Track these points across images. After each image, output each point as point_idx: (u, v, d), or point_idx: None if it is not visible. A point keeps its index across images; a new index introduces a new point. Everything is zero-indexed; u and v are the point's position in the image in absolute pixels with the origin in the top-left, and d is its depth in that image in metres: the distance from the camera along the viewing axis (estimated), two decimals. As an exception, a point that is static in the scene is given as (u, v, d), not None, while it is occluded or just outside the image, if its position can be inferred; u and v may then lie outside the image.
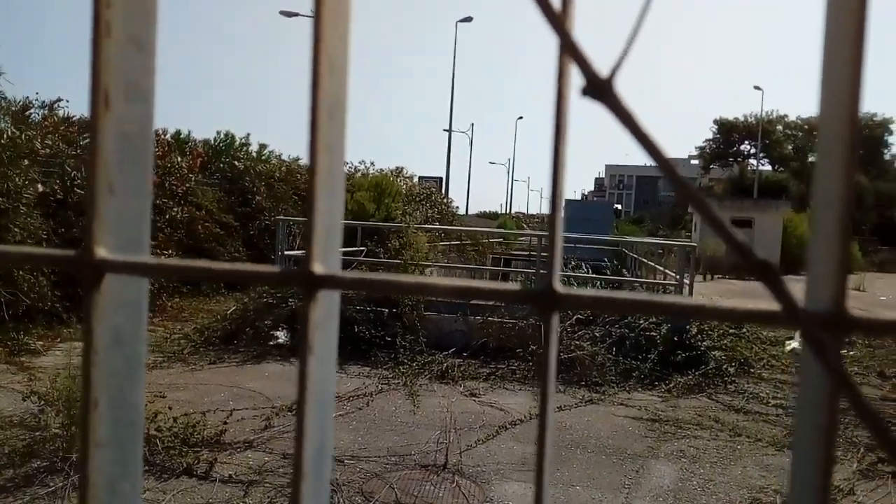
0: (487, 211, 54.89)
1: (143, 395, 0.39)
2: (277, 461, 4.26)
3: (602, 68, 0.29)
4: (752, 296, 14.17)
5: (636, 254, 13.10)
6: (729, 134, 51.27)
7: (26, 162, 8.63)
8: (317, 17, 0.33)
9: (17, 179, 8.09)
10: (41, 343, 7.07)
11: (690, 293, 8.41)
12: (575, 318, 7.16)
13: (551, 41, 0.30)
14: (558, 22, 0.29)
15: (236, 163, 14.49)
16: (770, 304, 0.28)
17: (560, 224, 0.31)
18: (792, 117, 50.21)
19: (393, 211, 15.07)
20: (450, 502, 3.87)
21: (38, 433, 4.24)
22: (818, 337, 0.27)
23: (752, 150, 48.32)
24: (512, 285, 0.30)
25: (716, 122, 52.13)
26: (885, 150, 43.96)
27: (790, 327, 0.28)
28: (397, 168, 21.47)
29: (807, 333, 0.28)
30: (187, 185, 11.69)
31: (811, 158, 47.46)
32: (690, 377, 6.51)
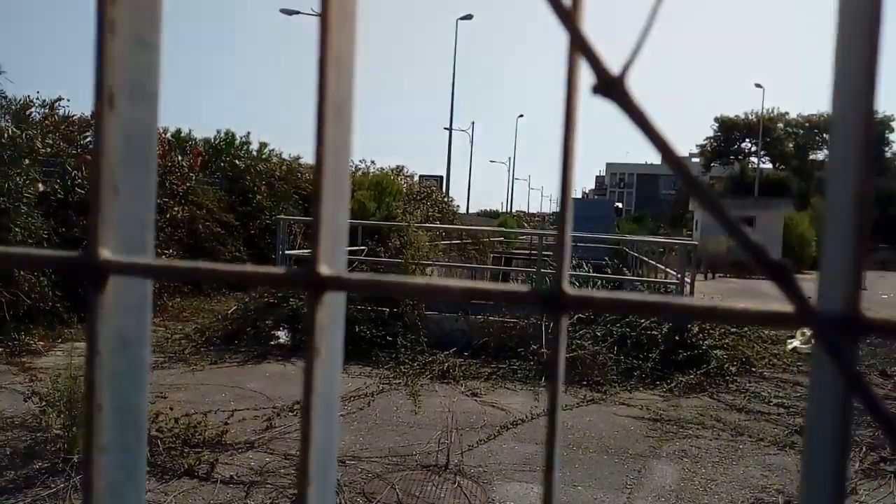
0: (488, 209, 54.87)
1: (146, 398, 0.39)
2: (279, 462, 4.25)
3: (613, 65, 0.29)
4: (752, 294, 14.16)
5: (637, 252, 13.10)
6: (730, 132, 51.22)
7: (27, 161, 8.63)
8: (323, 17, 0.33)
9: (17, 179, 8.09)
10: (42, 343, 7.07)
11: (691, 292, 8.41)
12: (576, 316, 7.15)
13: (555, 39, 0.30)
14: (568, 18, 0.28)
15: (237, 162, 14.48)
16: (783, 306, 0.28)
17: (569, 225, 0.30)
18: (793, 115, 50.18)
19: (394, 210, 15.08)
20: (452, 503, 3.87)
21: (39, 434, 4.23)
22: (832, 339, 0.27)
23: (753, 148, 48.31)
24: (521, 287, 0.30)
25: (716, 119, 52.10)
26: (886, 148, 43.92)
27: (804, 329, 0.28)
28: (398, 167, 21.47)
29: (820, 335, 0.28)
30: (188, 184, 11.68)
31: (812, 156, 47.46)
32: (692, 376, 6.51)
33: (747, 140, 50.39)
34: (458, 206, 27.08)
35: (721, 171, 50.48)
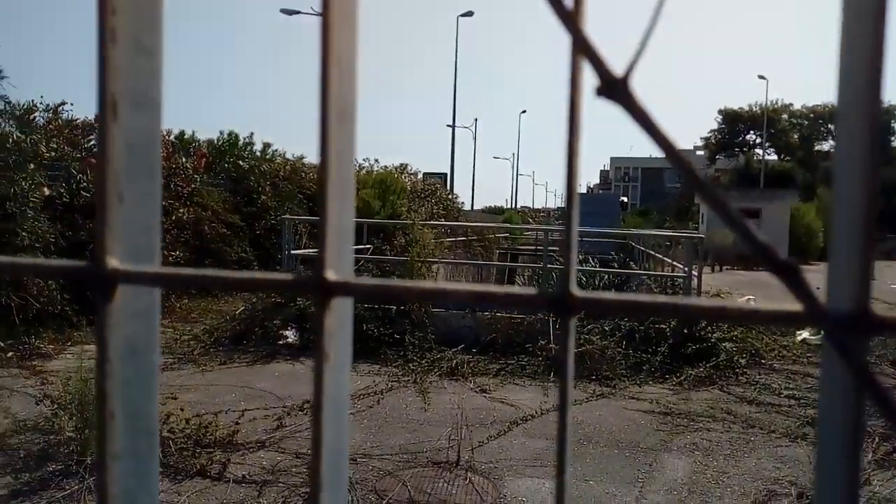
0: (493, 206, 54.80)
1: (157, 405, 0.39)
2: (290, 461, 4.27)
3: (616, 66, 0.29)
4: (760, 286, 14.10)
5: (643, 246, 13.07)
6: (734, 124, 51.00)
7: (32, 166, 8.67)
8: (324, 19, 0.33)
9: (23, 183, 8.13)
10: (52, 347, 7.11)
11: (699, 285, 8.39)
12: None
13: (557, 33, 0.29)
14: (571, 20, 0.28)
15: (241, 162, 14.50)
16: (791, 305, 0.28)
17: (575, 228, 0.30)
18: (797, 106, 49.94)
19: (398, 208, 15.09)
20: (463, 499, 3.87)
21: (52, 437, 4.27)
22: (842, 337, 0.27)
23: (758, 140, 48.09)
24: (528, 290, 0.30)
25: (720, 112, 51.88)
26: (892, 138, 43.67)
27: (813, 327, 0.28)
28: (402, 165, 21.46)
29: (830, 334, 0.27)
30: (192, 185, 11.72)
31: (817, 147, 47.24)
32: (702, 369, 6.49)
33: (752, 132, 50.16)
34: (462, 202, 27.04)
35: (726, 163, 50.30)
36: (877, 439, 4.66)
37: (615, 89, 0.28)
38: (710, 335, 6.96)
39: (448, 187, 28.25)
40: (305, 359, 6.82)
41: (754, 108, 49.22)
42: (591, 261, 12.98)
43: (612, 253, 14.64)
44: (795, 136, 48.52)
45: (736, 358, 6.82)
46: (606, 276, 11.14)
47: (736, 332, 7.27)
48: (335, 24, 0.33)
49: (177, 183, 11.27)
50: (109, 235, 0.35)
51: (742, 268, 18.82)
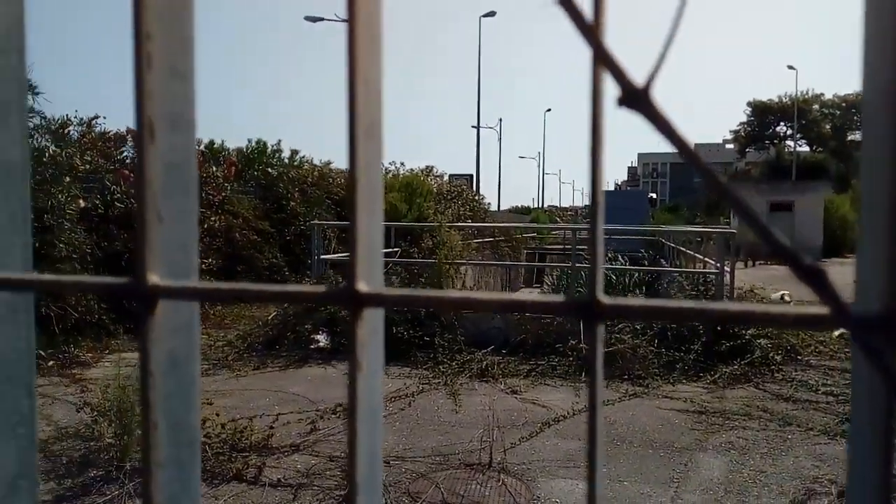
0: (520, 206, 54.61)
1: (199, 415, 0.40)
2: (324, 464, 4.31)
3: (637, 76, 0.29)
4: (794, 281, 13.79)
5: (673, 243, 12.92)
6: (763, 116, 50.16)
7: (68, 179, 8.88)
8: (350, 40, 0.34)
9: (59, 196, 8.33)
10: (90, 355, 7.28)
11: (731, 281, 8.27)
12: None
13: (582, 47, 0.30)
14: (591, 32, 0.29)
15: (269, 170, 14.69)
16: (818, 308, 0.28)
17: (601, 233, 0.31)
18: (829, 95, 48.92)
19: (425, 210, 15.13)
20: (496, 501, 3.87)
21: (92, 443, 4.36)
22: (869, 339, 0.27)
23: (789, 132, 47.22)
24: (555, 297, 0.31)
25: (749, 104, 51.06)
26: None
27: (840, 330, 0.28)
28: (427, 167, 21.51)
29: (857, 336, 0.27)
30: (223, 194, 11.89)
31: (850, 137, 46.21)
32: (736, 367, 6.40)
33: (782, 123, 49.28)
34: (489, 203, 27.01)
35: (756, 156, 49.46)
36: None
37: (636, 99, 0.28)
38: (744, 332, 6.85)
39: (474, 188, 28.24)
40: (337, 362, 6.88)
41: (784, 99, 48.36)
42: (620, 259, 12.87)
43: (642, 250, 14.50)
44: (827, 127, 47.56)
45: (771, 355, 6.70)
46: (637, 274, 11.03)
47: (771, 329, 7.15)
48: (361, 43, 0.34)
49: (208, 192, 11.45)
50: (150, 253, 0.36)
51: (776, 263, 18.49)
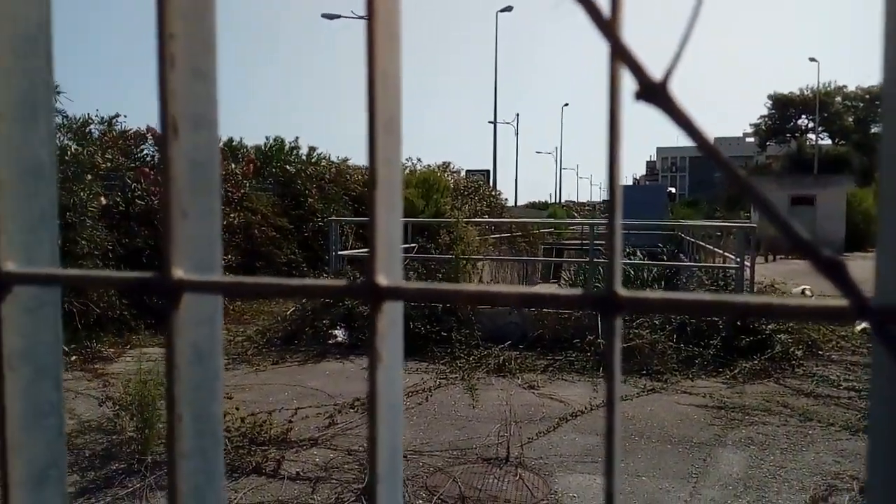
0: (537, 201, 54.40)
1: (221, 407, 0.41)
2: (342, 457, 4.34)
3: (655, 70, 0.29)
4: (815, 275, 13.64)
5: (693, 237, 12.81)
6: (785, 108, 49.51)
7: (89, 176, 9.00)
8: (370, 37, 0.34)
9: (81, 194, 8.45)
10: (112, 350, 7.38)
11: (752, 276, 8.19)
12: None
13: (600, 42, 0.30)
14: (608, 28, 0.29)
15: (287, 167, 14.77)
16: (838, 300, 0.28)
17: (619, 227, 0.31)
18: (851, 87, 48.18)
19: (442, 206, 15.13)
20: (514, 495, 3.88)
21: (114, 437, 4.43)
22: (889, 331, 0.27)
23: (811, 125, 46.60)
24: (574, 291, 0.31)
25: (770, 97, 50.43)
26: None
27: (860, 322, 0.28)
28: (444, 163, 21.50)
29: (876, 329, 0.27)
30: (242, 191, 11.98)
31: (874, 129, 45.45)
32: (756, 362, 6.34)
33: (803, 116, 48.63)
34: (506, 198, 26.94)
35: (777, 149, 48.87)
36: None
37: (654, 93, 0.28)
38: (764, 327, 6.79)
39: (491, 184, 28.18)
40: (355, 357, 6.91)
41: (806, 92, 47.70)
42: (638, 253, 12.79)
43: (661, 245, 14.40)
44: (850, 119, 46.84)
45: (792, 349, 6.63)
46: (655, 270, 10.96)
47: (791, 324, 7.07)
48: (380, 40, 0.34)
49: (227, 189, 11.55)
50: (174, 248, 0.37)
51: (797, 257, 18.28)
